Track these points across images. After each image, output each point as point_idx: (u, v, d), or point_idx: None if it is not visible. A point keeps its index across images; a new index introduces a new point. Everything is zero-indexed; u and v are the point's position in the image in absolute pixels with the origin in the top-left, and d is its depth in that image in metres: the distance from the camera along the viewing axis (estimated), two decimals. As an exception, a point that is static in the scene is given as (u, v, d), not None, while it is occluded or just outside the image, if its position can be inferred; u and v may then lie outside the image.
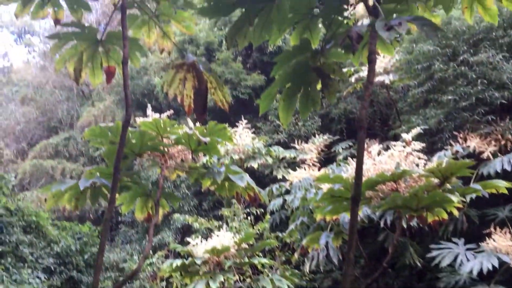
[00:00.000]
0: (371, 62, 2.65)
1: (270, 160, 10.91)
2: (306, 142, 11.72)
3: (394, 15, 3.13)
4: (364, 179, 3.45)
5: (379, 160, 4.79)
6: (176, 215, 11.79)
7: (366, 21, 8.85)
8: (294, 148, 11.42)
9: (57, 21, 3.38)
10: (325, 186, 5.80)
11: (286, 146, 12.35)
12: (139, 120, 4.58)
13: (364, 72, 10.25)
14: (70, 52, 3.43)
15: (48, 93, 23.24)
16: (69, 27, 3.51)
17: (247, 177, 4.33)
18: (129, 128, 3.64)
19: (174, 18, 3.69)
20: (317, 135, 11.86)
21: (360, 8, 3.77)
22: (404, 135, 5.44)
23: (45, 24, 26.63)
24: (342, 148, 11.28)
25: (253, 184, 4.37)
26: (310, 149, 11.21)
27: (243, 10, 3.01)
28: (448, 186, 4.31)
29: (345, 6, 3.47)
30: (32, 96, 23.10)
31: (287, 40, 11.90)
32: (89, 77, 3.66)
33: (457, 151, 7.72)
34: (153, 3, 3.54)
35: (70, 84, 22.38)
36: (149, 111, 5.12)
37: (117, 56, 3.62)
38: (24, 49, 30.79)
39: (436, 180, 4.32)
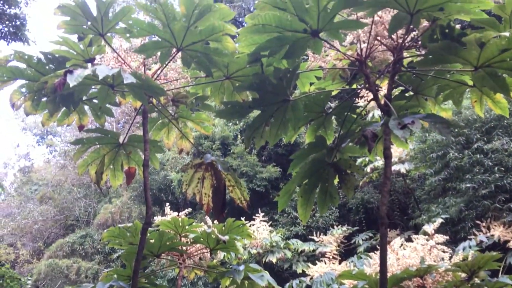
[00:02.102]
0: (387, 157, 2.68)
1: (288, 254, 10.67)
2: (325, 234, 11.53)
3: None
4: (388, 275, 3.34)
5: (403, 254, 4.66)
6: (193, 315, 11.35)
7: (377, 112, 9.03)
8: (313, 240, 11.21)
9: (81, 127, 3.51)
10: (348, 282, 5.60)
11: (305, 238, 12.14)
12: (158, 219, 4.59)
13: (378, 162, 10.32)
14: (92, 156, 3.54)
15: (66, 191, 23.60)
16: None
17: (267, 275, 4.21)
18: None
19: (192, 119, 3.83)
20: (335, 226, 11.68)
21: (371, 102, 3.89)
22: (425, 227, 5.34)
23: (67, 126, 27.66)
24: (362, 240, 11.05)
25: (274, 284, 4.24)
26: (329, 241, 10.99)
27: (259, 111, 3.12)
28: (477, 280, 4.13)
29: (357, 101, 3.60)
30: (51, 195, 23.44)
31: (300, 132, 12.14)
32: (110, 179, 3.74)
33: (481, 241, 7.51)
34: (172, 106, 3.70)
35: (88, 181, 22.79)
36: (167, 209, 5.15)
37: (138, 158, 3.71)
38: (46, 149, 31.78)
39: (463, 275, 4.15)
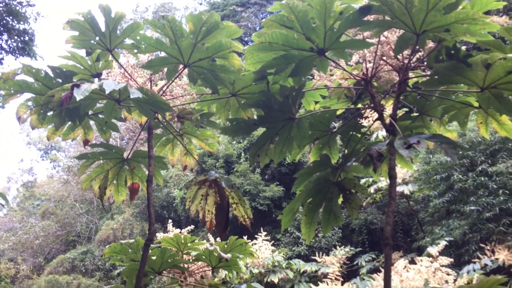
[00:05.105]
0: (392, 178, 2.66)
1: (290, 274, 10.57)
2: (327, 254, 11.44)
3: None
4: (392, 297, 3.30)
5: (406, 276, 4.60)
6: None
7: (381, 133, 9.04)
8: (315, 261, 11.12)
9: (86, 142, 3.51)
10: (350, 304, 5.53)
11: (307, 258, 12.04)
12: (160, 236, 4.56)
13: (382, 183, 10.27)
14: (96, 171, 3.53)
15: (68, 206, 23.56)
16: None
17: (269, 295, 4.17)
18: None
19: (197, 136, 3.82)
20: (338, 247, 11.59)
21: (376, 122, 3.88)
22: (429, 249, 5.28)
23: (71, 141, 27.78)
24: (365, 261, 10.95)
25: (275, 303, 4.19)
26: (332, 262, 10.89)
27: (264, 128, 3.12)
28: (482, 304, 4.07)
29: (362, 121, 3.59)
30: (53, 210, 23.40)
31: (304, 151, 12.15)
32: (114, 194, 3.72)
33: (485, 265, 7.42)
34: (177, 123, 3.70)
35: (91, 197, 22.76)
36: (170, 225, 5.13)
37: (142, 173, 3.70)
38: (49, 164, 31.87)
39: (468, 298, 4.10)
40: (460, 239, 8.59)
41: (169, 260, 4.08)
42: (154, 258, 4.04)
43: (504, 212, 8.11)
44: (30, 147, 31.40)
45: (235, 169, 15.57)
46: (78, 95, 2.26)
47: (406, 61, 2.82)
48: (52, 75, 2.90)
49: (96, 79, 3.07)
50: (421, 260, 4.81)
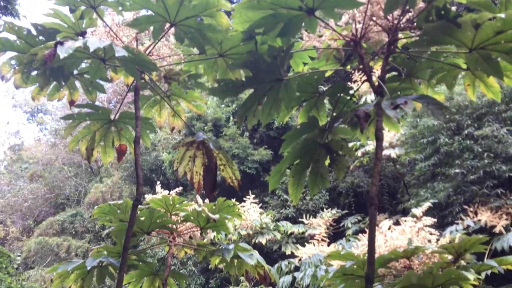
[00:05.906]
0: (379, 139, 2.68)
1: (278, 236, 10.75)
2: (315, 216, 11.62)
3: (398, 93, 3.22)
4: (376, 256, 3.37)
5: (391, 236, 4.70)
6: (183, 294, 11.43)
7: (369, 97, 9.02)
8: (303, 223, 11.30)
9: (71, 103, 3.47)
10: (336, 263, 5.66)
11: (294, 221, 12.23)
12: (149, 197, 4.59)
13: (369, 146, 10.36)
14: (83, 132, 3.51)
15: (57, 169, 23.48)
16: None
17: (256, 254, 4.24)
18: (139, 206, 3.63)
19: (185, 97, 3.80)
20: (325, 209, 11.77)
21: (364, 85, 3.87)
22: (414, 210, 5.39)
23: (58, 103, 27.44)
24: (351, 223, 11.16)
25: (263, 262, 4.27)
26: (319, 224, 11.08)
27: (252, 90, 3.11)
28: (463, 262, 4.18)
29: (350, 85, 3.58)
30: (41, 173, 23.32)
31: (292, 115, 12.17)
32: (101, 155, 3.71)
33: (468, 226, 7.61)
34: (164, 84, 3.66)
35: (79, 160, 22.69)
36: (158, 187, 5.14)
37: (129, 135, 3.69)
38: (36, 127, 31.54)
39: (450, 257, 4.20)
40: (444, 201, 8.76)
41: (158, 221, 4.12)
42: (142, 219, 4.07)
43: (488, 175, 8.25)
44: (16, 109, 30.97)
45: (223, 133, 15.55)
46: (62, 52, 2.22)
47: (395, 22, 2.79)
48: (35, 33, 2.83)
49: (80, 38, 3.00)
50: (405, 221, 4.92)
